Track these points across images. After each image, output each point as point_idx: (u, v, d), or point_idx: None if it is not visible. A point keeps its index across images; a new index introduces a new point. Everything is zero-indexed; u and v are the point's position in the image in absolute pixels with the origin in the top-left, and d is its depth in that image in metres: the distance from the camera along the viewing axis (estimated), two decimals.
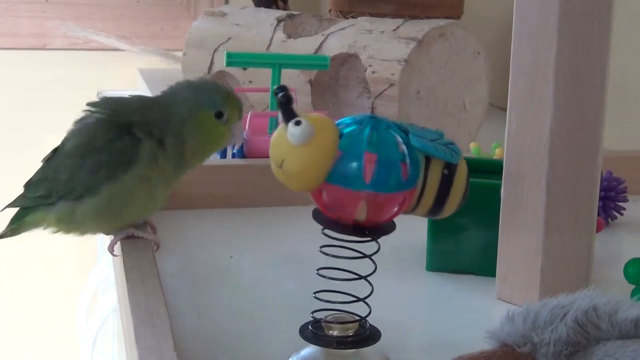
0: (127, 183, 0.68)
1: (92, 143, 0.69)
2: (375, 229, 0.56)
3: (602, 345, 0.47)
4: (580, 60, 0.63)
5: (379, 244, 0.56)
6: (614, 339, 0.47)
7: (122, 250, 0.68)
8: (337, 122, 0.56)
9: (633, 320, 0.47)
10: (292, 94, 1.04)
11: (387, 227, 0.56)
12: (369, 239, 0.55)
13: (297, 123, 0.54)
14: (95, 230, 0.71)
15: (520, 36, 0.65)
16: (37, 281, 2.04)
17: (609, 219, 0.86)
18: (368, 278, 0.56)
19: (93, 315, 1.42)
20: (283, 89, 0.55)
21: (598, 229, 0.74)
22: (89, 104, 0.71)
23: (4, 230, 0.74)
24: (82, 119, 0.71)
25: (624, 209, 0.87)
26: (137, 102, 0.73)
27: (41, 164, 0.73)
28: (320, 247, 0.56)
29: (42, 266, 2.03)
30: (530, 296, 0.65)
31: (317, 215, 0.56)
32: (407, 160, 0.54)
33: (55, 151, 0.73)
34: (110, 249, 0.71)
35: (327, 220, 0.56)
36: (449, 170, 0.57)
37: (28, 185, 0.73)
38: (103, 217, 0.70)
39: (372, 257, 0.56)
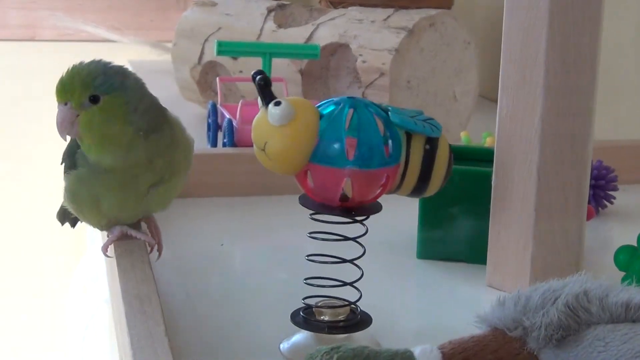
0: (72, 183, 0.67)
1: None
2: (362, 209, 0.56)
3: (593, 330, 0.47)
4: (571, 47, 0.63)
5: (366, 227, 0.56)
6: (604, 323, 0.47)
7: (116, 251, 0.66)
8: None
9: (624, 304, 0.47)
10: (282, 84, 1.04)
11: (374, 207, 0.57)
12: (355, 219, 0.56)
13: (277, 104, 0.54)
14: (83, 220, 0.70)
15: (511, 22, 0.65)
16: (25, 271, 2.03)
17: (600, 208, 0.87)
18: (357, 262, 0.56)
19: (83, 305, 1.41)
20: (260, 72, 0.56)
21: (588, 218, 0.74)
22: None
23: None
24: None
25: (614, 198, 0.87)
26: None
27: None
28: (309, 233, 0.56)
29: (30, 256, 2.02)
30: (520, 283, 0.65)
31: (304, 200, 0.57)
32: (389, 142, 0.55)
33: None
34: (104, 250, 0.69)
35: (315, 203, 0.56)
36: (431, 145, 0.57)
37: None
38: (75, 209, 0.69)
39: (360, 240, 0.56)
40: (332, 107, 0.55)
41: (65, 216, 0.77)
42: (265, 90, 0.55)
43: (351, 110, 0.55)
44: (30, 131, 1.79)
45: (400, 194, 0.59)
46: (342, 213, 0.55)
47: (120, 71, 0.64)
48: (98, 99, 0.62)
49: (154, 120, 0.66)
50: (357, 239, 0.56)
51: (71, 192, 0.68)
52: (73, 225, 0.78)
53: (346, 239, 0.56)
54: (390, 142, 0.55)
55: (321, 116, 0.55)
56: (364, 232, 0.56)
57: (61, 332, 1.82)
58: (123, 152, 0.64)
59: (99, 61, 0.64)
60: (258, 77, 0.55)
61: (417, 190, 0.58)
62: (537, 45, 0.63)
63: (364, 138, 0.54)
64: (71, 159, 0.67)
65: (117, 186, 0.65)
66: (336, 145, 0.54)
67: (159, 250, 0.70)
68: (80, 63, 0.63)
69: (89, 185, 0.66)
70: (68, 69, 0.63)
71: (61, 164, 0.70)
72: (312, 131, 0.54)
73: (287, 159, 0.55)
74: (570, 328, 0.47)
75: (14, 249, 2.01)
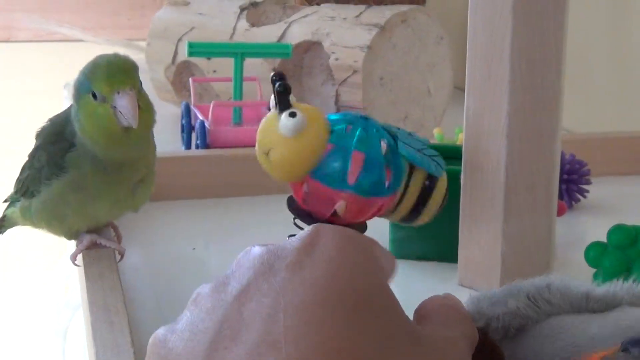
0: (59, 188, 0.66)
1: (39, 146, 0.69)
2: (347, 227, 0.55)
3: (553, 319, 0.47)
4: (536, 43, 0.62)
5: None
6: (564, 313, 0.47)
7: (84, 260, 0.66)
8: (327, 116, 0.56)
9: (584, 294, 0.47)
10: (256, 82, 1.04)
11: (359, 228, 0.56)
12: None
13: (292, 115, 0.53)
14: (51, 230, 0.69)
15: (476, 20, 0.64)
16: (6, 269, 2.03)
17: (573, 202, 0.86)
18: None
19: (64, 304, 1.41)
20: (281, 77, 0.54)
21: (560, 213, 0.74)
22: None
23: None
24: (38, 129, 0.71)
25: (587, 192, 0.87)
26: (68, 109, 0.68)
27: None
28: (288, 236, 0.56)
29: (12, 258, 2.01)
30: (491, 281, 0.65)
31: (292, 205, 0.56)
32: (392, 172, 0.54)
33: None
34: (73, 258, 0.69)
35: (301, 211, 0.55)
36: (431, 182, 0.57)
37: (15, 182, 0.73)
38: (48, 219, 0.68)
39: None
40: (343, 125, 0.54)
41: None
42: (283, 97, 0.53)
43: (361, 132, 0.54)
44: (6, 132, 1.78)
45: (389, 219, 0.59)
46: None
47: None
48: (141, 83, 0.64)
49: None
50: None
51: (51, 201, 0.67)
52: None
53: None
54: (392, 172, 0.54)
55: (331, 131, 0.54)
56: None
57: (42, 331, 1.81)
58: (147, 137, 0.66)
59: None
60: (278, 83, 0.53)
61: (407, 219, 0.58)
62: (501, 42, 0.63)
63: (368, 165, 0.53)
64: (56, 165, 0.66)
65: (113, 183, 0.66)
66: (339, 167, 0.53)
67: (121, 254, 0.69)
68: (109, 55, 0.63)
69: (82, 187, 0.66)
70: (109, 58, 0.63)
71: (23, 180, 0.69)
72: (319, 147, 0.53)
73: (289, 170, 0.54)
74: (530, 317, 0.48)
75: None
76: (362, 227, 0.57)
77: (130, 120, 0.61)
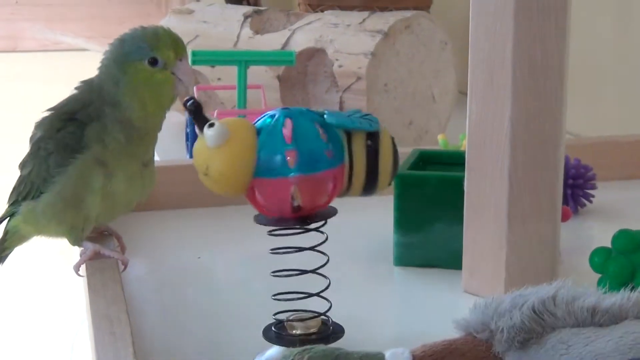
0: (78, 169, 0.66)
1: (42, 136, 0.68)
2: (317, 216, 0.56)
3: (557, 333, 0.47)
4: (537, 48, 0.62)
5: (325, 234, 0.56)
6: (569, 327, 0.47)
7: (87, 270, 0.66)
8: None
9: (590, 308, 0.47)
10: (260, 90, 1.03)
11: (328, 212, 0.56)
12: (306, 228, 0.55)
13: (211, 125, 0.54)
14: (60, 229, 0.68)
15: (478, 26, 0.64)
16: (15, 285, 2.03)
17: (578, 207, 0.86)
18: (322, 271, 0.56)
19: (73, 312, 1.41)
20: (191, 98, 0.55)
21: (564, 218, 0.73)
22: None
23: None
24: (38, 121, 0.70)
25: (593, 196, 0.87)
26: (78, 89, 0.69)
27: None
28: (271, 249, 0.56)
29: (21, 269, 2.02)
30: (496, 288, 0.65)
31: (259, 219, 0.56)
32: (330, 144, 0.55)
33: None
34: (76, 269, 0.68)
35: (269, 219, 0.56)
36: (372, 140, 0.57)
37: (10, 194, 0.72)
38: (62, 211, 0.67)
39: (328, 249, 0.56)
40: (267, 120, 0.55)
41: None
42: (198, 114, 0.55)
43: (287, 120, 0.54)
44: (11, 144, 1.78)
45: (353, 195, 0.58)
46: (298, 223, 0.55)
47: None
48: None
49: None
50: (317, 248, 0.56)
51: (67, 186, 0.66)
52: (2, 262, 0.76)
53: (301, 249, 0.56)
54: (330, 143, 0.55)
55: (258, 131, 0.55)
56: (323, 239, 0.56)
57: (50, 339, 1.81)
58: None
59: None
60: (188, 102, 0.55)
61: (367, 188, 0.57)
62: (503, 48, 0.62)
63: (303, 144, 0.54)
64: (67, 148, 0.66)
65: (129, 156, 0.67)
66: (276, 156, 0.54)
67: (125, 264, 0.69)
68: (158, 26, 0.66)
69: (103, 162, 0.66)
70: (164, 29, 0.65)
71: (25, 177, 0.69)
72: (250, 147, 0.54)
73: (230, 179, 0.54)
74: (534, 331, 0.47)
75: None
76: (332, 211, 0.57)
77: (188, 86, 0.65)
